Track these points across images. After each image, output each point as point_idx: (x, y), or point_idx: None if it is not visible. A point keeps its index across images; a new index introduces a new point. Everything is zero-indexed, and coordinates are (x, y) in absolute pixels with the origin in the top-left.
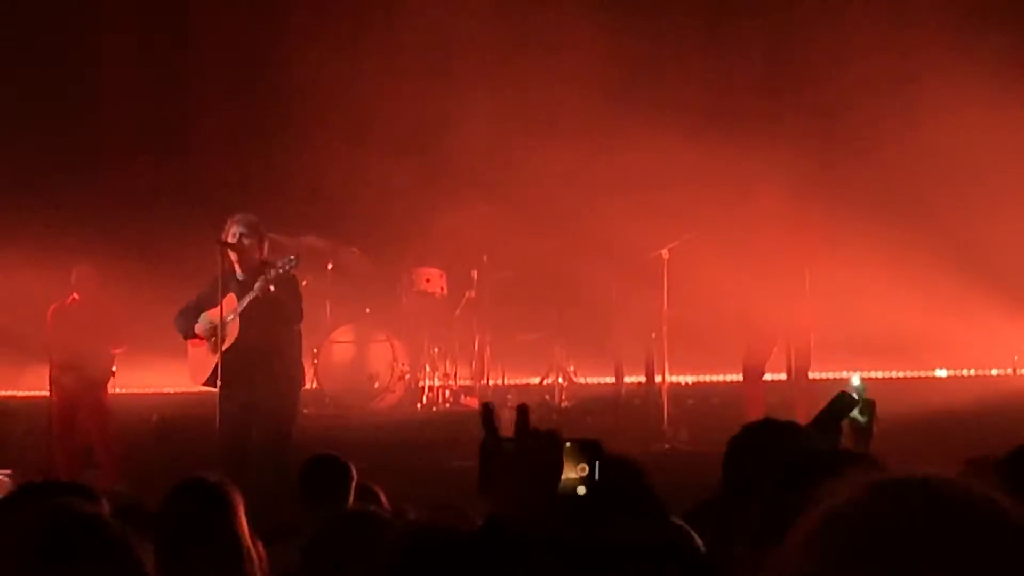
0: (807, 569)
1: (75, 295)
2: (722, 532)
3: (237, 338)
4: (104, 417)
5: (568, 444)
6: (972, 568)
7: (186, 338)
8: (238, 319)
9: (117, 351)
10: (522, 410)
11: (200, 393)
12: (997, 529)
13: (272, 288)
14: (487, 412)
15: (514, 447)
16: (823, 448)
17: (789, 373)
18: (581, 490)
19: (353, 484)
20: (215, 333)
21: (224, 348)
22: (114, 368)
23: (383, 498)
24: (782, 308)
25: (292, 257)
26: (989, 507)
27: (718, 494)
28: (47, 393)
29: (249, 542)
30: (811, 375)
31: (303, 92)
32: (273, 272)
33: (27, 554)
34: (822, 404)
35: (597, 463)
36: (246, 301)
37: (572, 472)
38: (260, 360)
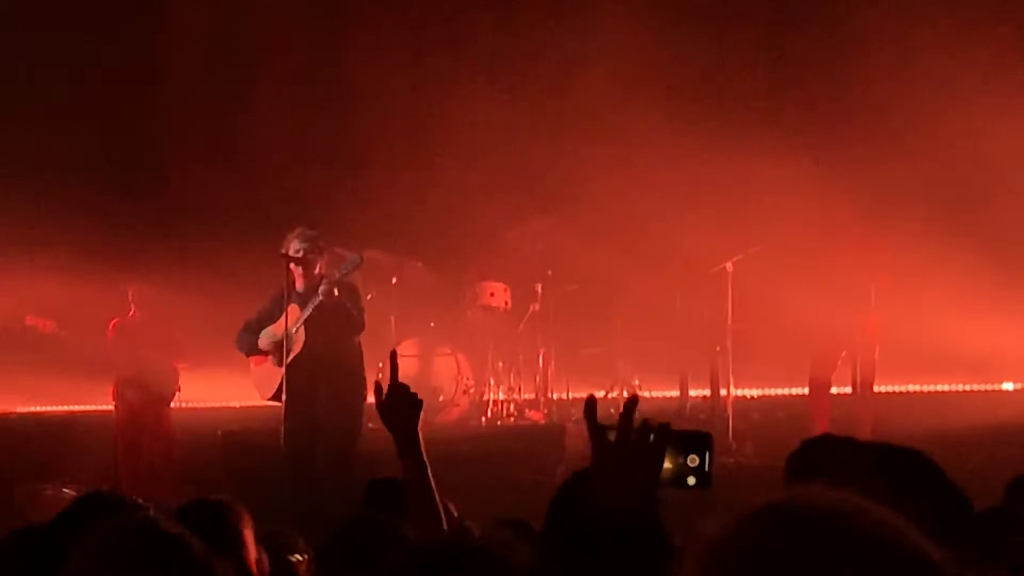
0: None
1: (133, 312)
2: None
3: (302, 348)
4: (167, 432)
5: (675, 435)
6: None
7: (248, 355)
8: (303, 328)
9: (181, 366)
10: (630, 402)
11: (264, 407)
12: (869, 556)
13: (336, 292)
14: (590, 406)
15: (616, 436)
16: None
17: (854, 386)
18: (691, 480)
19: None
20: (280, 347)
21: (289, 360)
22: (179, 384)
23: (454, 511)
24: (847, 321)
25: (356, 256)
26: (861, 531)
27: None
28: (111, 408)
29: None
30: (877, 388)
31: (366, 106)
32: (338, 274)
33: (109, 569)
34: (887, 417)
35: (708, 454)
36: (311, 307)
37: (674, 464)
38: (324, 372)
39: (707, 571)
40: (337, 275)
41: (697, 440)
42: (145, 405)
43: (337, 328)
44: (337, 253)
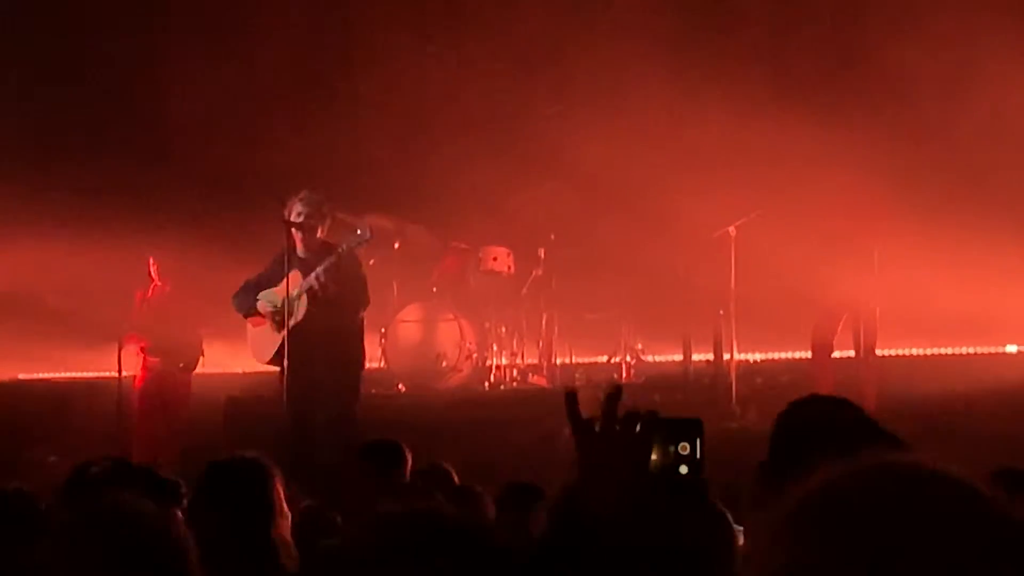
0: (783, 558)
1: (157, 283)
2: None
3: (303, 320)
4: (184, 400)
5: (664, 423)
6: (944, 559)
7: (246, 316)
8: (306, 300)
9: (204, 332)
10: (612, 394)
11: (266, 373)
12: (971, 519)
13: (329, 285)
14: (570, 400)
15: (600, 429)
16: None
17: (857, 350)
18: (683, 469)
19: (408, 467)
20: (279, 311)
21: (290, 326)
22: (203, 350)
23: (455, 477)
24: (848, 284)
25: (366, 232)
26: (963, 495)
27: (762, 472)
28: (115, 375)
29: (279, 528)
30: (881, 352)
31: (369, 72)
32: (345, 246)
33: (78, 553)
34: (891, 381)
35: (698, 441)
36: (306, 286)
37: (664, 453)
38: (324, 343)
39: (800, 529)
40: (344, 247)
41: (687, 427)
42: (170, 373)
43: (339, 305)
44: (346, 221)
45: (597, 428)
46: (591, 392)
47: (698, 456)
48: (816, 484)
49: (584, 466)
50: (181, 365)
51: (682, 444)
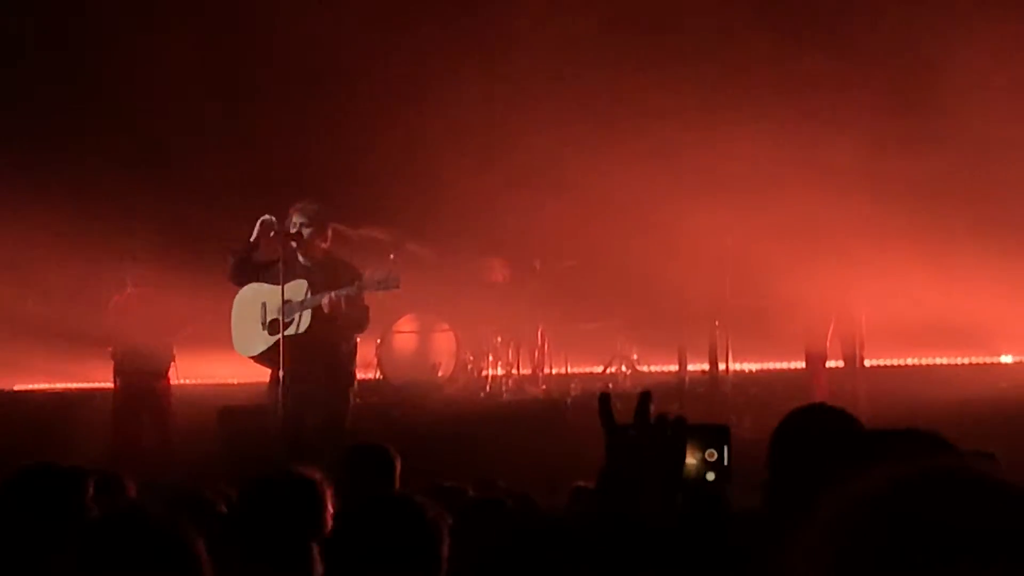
0: (827, 563)
1: (131, 289)
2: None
3: (305, 333)
4: (163, 407)
5: (691, 429)
6: (1002, 561)
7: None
8: (310, 313)
9: (175, 339)
10: (644, 397)
11: (259, 383)
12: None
13: (341, 309)
14: (604, 403)
15: (635, 435)
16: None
17: (846, 360)
18: (710, 476)
19: (397, 472)
20: (278, 316)
21: (287, 334)
22: (174, 358)
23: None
24: (838, 293)
25: (395, 280)
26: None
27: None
28: (111, 385)
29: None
30: (875, 362)
31: (367, 83)
32: (374, 287)
33: (87, 555)
34: (886, 391)
35: (726, 448)
36: (317, 301)
37: (694, 459)
38: (321, 356)
39: (854, 537)
40: (371, 285)
41: (715, 433)
42: (140, 381)
43: (343, 326)
44: (337, 230)
45: (630, 432)
46: (586, 400)
47: (725, 463)
48: (873, 489)
49: (616, 469)
50: (148, 372)
51: (709, 451)
